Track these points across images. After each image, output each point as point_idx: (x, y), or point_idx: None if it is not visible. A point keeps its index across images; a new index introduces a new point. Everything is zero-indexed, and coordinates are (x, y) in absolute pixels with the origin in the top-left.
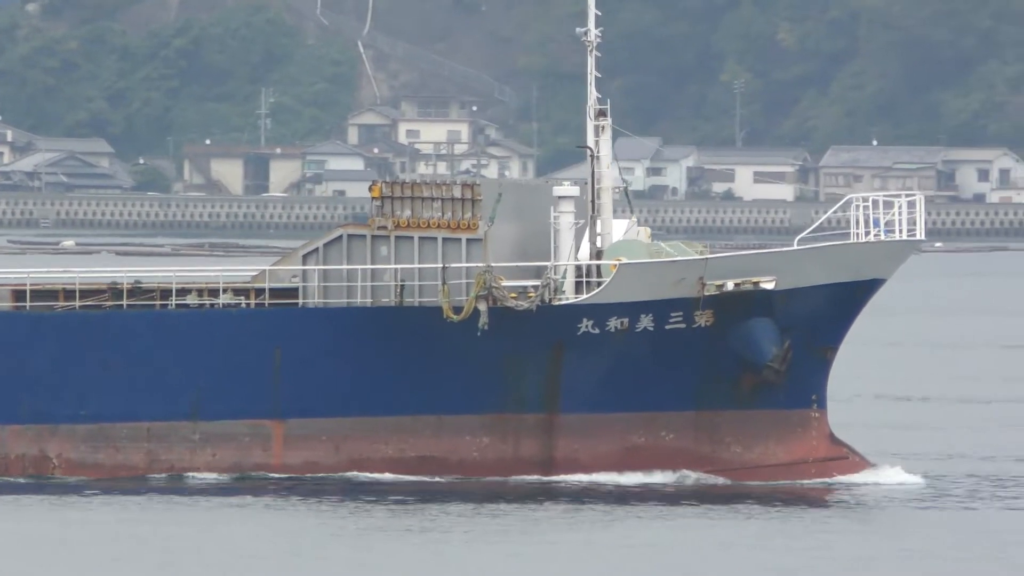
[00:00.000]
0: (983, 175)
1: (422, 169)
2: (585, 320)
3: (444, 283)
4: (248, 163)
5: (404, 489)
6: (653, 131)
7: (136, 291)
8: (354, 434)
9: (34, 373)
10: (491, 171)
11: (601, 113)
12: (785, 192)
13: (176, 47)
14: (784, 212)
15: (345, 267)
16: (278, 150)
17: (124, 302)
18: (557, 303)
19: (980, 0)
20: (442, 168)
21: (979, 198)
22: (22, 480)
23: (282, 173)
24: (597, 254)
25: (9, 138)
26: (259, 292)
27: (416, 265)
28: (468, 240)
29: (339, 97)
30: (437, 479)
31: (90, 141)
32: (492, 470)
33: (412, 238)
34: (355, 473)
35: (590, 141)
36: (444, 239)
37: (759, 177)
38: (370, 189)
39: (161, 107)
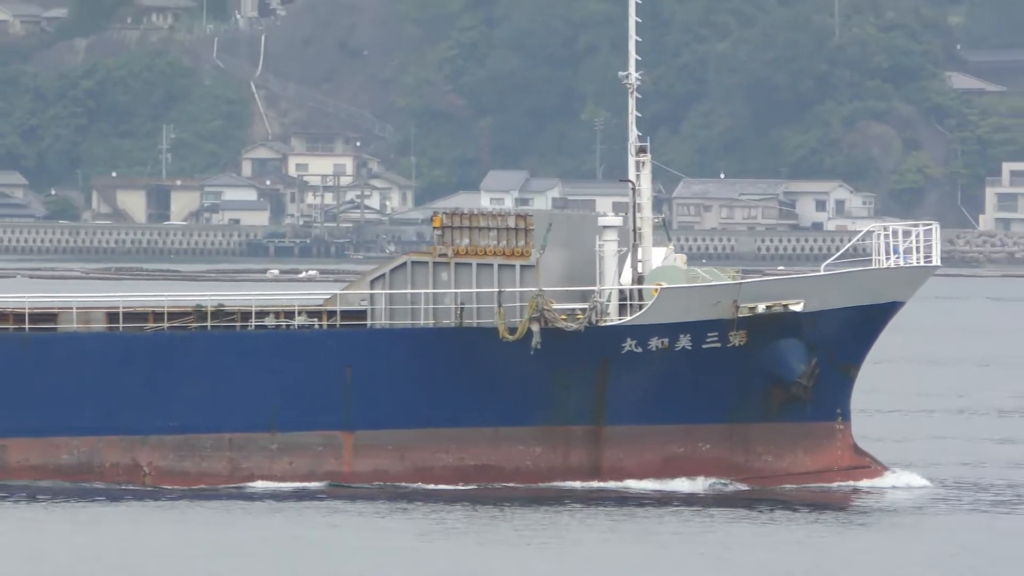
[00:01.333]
0: (821, 205)
1: (310, 199)
2: (629, 340)
3: (500, 306)
4: (151, 194)
5: (465, 495)
6: (520, 164)
7: (219, 313)
8: (418, 444)
9: (127, 389)
10: (373, 201)
11: (641, 150)
12: None
13: (84, 88)
14: None
15: (409, 291)
16: (178, 182)
17: (208, 324)
18: (603, 324)
19: (816, 46)
20: (328, 199)
21: (817, 226)
22: (118, 487)
23: (182, 203)
24: (639, 279)
25: None
26: (331, 314)
27: (474, 289)
28: (522, 267)
29: (234, 133)
30: (493, 486)
31: (5, 174)
32: (544, 477)
33: (470, 265)
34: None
35: (631, 175)
36: (500, 265)
37: (617, 207)
38: (432, 220)
39: (70, 143)
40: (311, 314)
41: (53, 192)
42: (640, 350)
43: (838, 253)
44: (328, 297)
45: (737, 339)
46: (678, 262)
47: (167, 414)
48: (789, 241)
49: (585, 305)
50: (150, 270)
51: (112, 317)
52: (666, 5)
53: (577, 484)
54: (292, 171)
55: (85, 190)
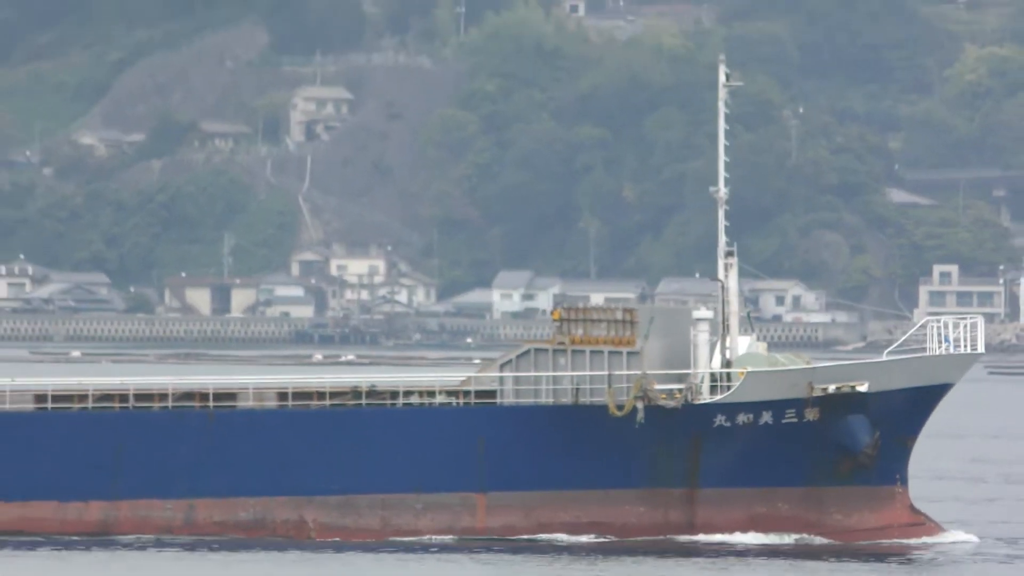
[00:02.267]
0: (780, 300)
1: (349, 295)
2: (719, 415)
3: (610, 387)
4: (214, 291)
5: (580, 546)
6: (527, 265)
7: (372, 393)
8: (541, 504)
9: (295, 456)
10: (402, 297)
11: (729, 253)
12: None
13: (158, 201)
14: None
15: (533, 374)
16: (237, 281)
17: (363, 401)
18: (697, 402)
19: (777, 166)
20: (364, 295)
21: (776, 318)
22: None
23: (240, 299)
24: (727, 364)
25: (30, 272)
26: (466, 393)
27: (588, 372)
28: (628, 353)
29: (284, 239)
30: (604, 539)
31: (92, 274)
32: (646, 532)
33: (584, 351)
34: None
35: (720, 275)
36: (609, 352)
37: (609, 302)
38: (552, 313)
39: (147, 248)
40: (449, 393)
41: (132, 289)
42: (729, 424)
43: (899, 341)
44: (463, 379)
45: (811, 415)
46: (760, 349)
47: (329, 478)
48: (753, 331)
49: (682, 386)
50: (213, 355)
51: (282, 396)
52: (650, 130)
53: (675, 538)
54: (334, 271)
55: (159, 288)
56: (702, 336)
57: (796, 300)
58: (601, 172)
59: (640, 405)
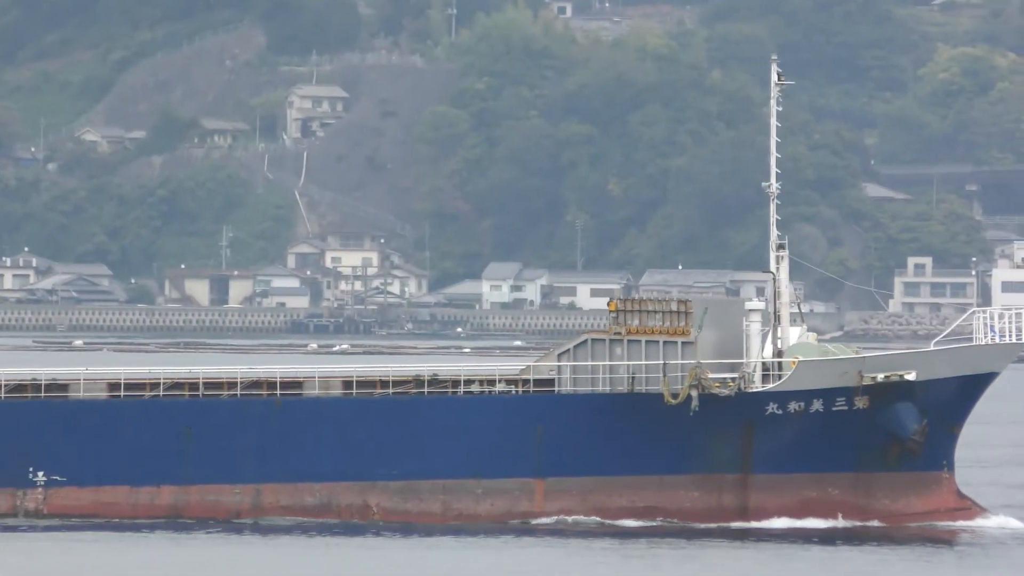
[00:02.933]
0: (760, 292)
1: (343, 287)
2: (771, 404)
3: (665, 376)
4: (213, 282)
5: (635, 531)
6: (515, 257)
7: (433, 381)
8: (597, 489)
9: (359, 443)
10: (395, 288)
11: (781, 246)
12: None
13: (159, 196)
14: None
15: (590, 363)
16: (235, 272)
17: (425, 390)
18: (750, 391)
19: (756, 162)
20: (358, 286)
21: None
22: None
23: (238, 290)
24: (778, 353)
25: (34, 264)
26: (524, 382)
27: (643, 362)
28: (683, 343)
29: (281, 232)
30: (658, 523)
31: (94, 266)
32: (700, 517)
33: (640, 341)
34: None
35: (772, 267)
36: (664, 342)
37: (595, 292)
38: (608, 304)
39: (148, 240)
40: (508, 382)
41: (133, 281)
42: (781, 412)
43: (946, 331)
44: (522, 368)
45: (861, 403)
46: (811, 339)
47: (392, 464)
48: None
49: (735, 375)
50: (212, 344)
51: (347, 384)
52: (634, 127)
53: (727, 523)
54: (328, 263)
55: (159, 279)
56: (754, 326)
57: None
58: (587, 168)
59: (694, 393)
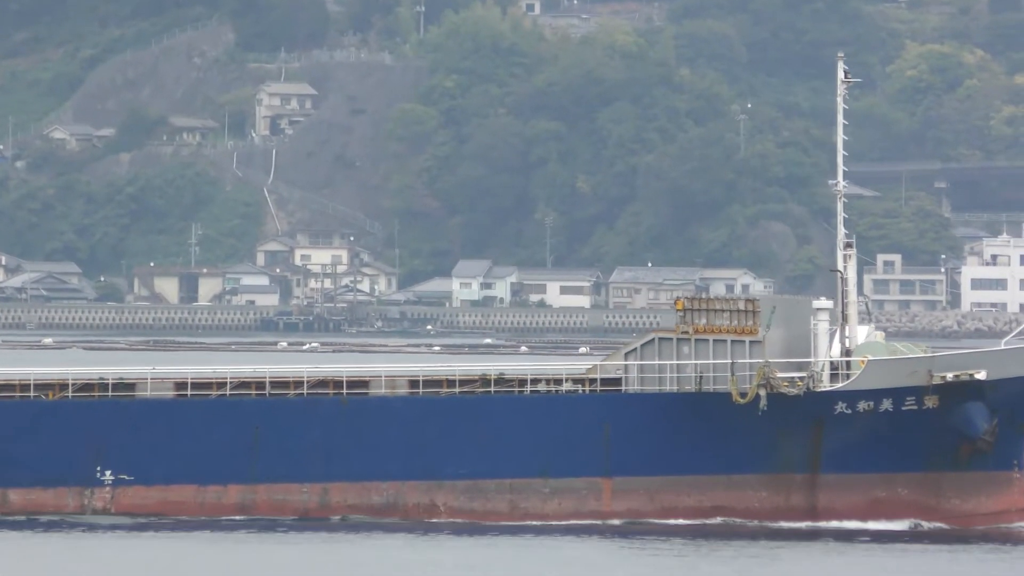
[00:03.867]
0: (729, 289)
1: (312, 284)
2: (840, 403)
3: (733, 375)
4: (182, 280)
5: (704, 530)
6: (485, 255)
7: (500, 380)
8: (665, 488)
9: (425, 441)
10: (364, 285)
11: (848, 245)
12: (583, 301)
13: (127, 193)
14: (583, 316)
15: (657, 362)
16: (204, 270)
17: (492, 389)
18: (818, 390)
19: (725, 159)
20: (327, 283)
21: None
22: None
23: (207, 287)
24: (846, 352)
25: (3, 262)
26: (591, 381)
27: (711, 361)
28: (750, 342)
29: (250, 230)
30: (727, 523)
31: (63, 264)
32: (769, 516)
33: (708, 340)
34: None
35: (839, 266)
36: (732, 341)
37: (564, 290)
38: (676, 304)
39: (117, 238)
40: (575, 380)
41: (102, 279)
42: (850, 411)
43: (1016, 331)
44: (589, 367)
45: (931, 402)
46: (879, 338)
47: (459, 463)
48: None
49: (803, 374)
50: (181, 342)
51: (413, 383)
52: (603, 124)
53: (796, 523)
54: (298, 261)
55: (128, 277)
56: (822, 325)
57: (745, 288)
58: (556, 165)
59: (763, 392)
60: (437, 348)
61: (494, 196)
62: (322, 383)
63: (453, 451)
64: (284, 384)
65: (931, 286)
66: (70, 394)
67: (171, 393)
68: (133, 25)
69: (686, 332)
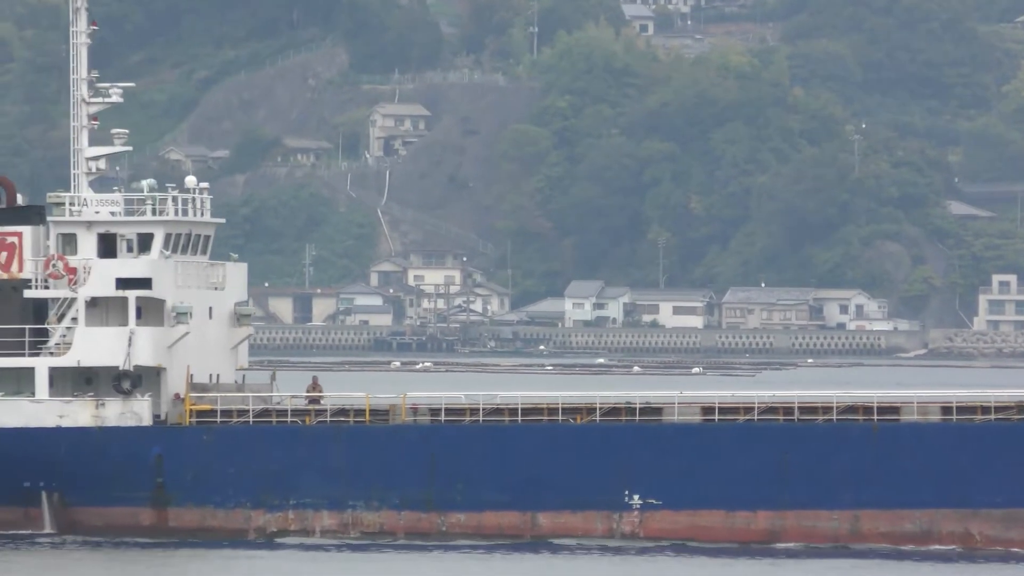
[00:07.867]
0: (843, 309)
1: (425, 304)
2: None
3: None
4: (296, 300)
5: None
6: (597, 275)
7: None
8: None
9: (960, 468)
10: (477, 306)
11: None
12: (696, 321)
13: (242, 214)
14: (696, 337)
15: None
16: (319, 290)
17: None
18: None
19: (840, 180)
20: (440, 304)
21: (840, 327)
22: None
23: (321, 308)
24: None
25: None
26: None
27: None
28: None
29: (364, 251)
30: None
31: None
32: None
33: None
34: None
35: None
36: None
37: (677, 310)
38: None
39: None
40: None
41: None
42: None
43: None
44: None
45: None
46: None
47: (996, 490)
48: (817, 339)
49: None
50: (295, 362)
51: (946, 410)
52: (716, 145)
53: None
54: (411, 281)
55: None
56: None
57: (859, 309)
58: (669, 185)
59: None
60: (550, 368)
61: (607, 216)
62: (851, 409)
63: (989, 479)
64: (812, 410)
65: None
66: (597, 418)
67: (698, 418)
68: (247, 47)
69: None
